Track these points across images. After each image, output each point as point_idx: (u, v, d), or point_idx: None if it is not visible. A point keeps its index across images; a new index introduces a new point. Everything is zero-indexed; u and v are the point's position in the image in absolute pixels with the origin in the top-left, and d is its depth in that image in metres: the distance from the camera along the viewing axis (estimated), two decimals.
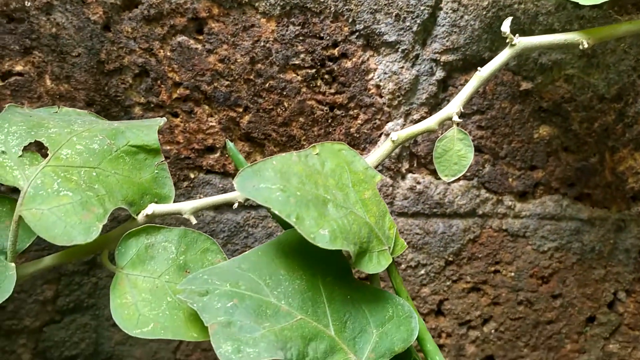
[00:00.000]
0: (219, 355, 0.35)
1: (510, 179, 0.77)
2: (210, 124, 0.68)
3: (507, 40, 0.50)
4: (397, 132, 0.48)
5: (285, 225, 0.45)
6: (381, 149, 0.48)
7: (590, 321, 0.86)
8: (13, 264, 0.38)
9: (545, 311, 0.84)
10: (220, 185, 0.71)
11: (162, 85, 0.66)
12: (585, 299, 0.85)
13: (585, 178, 0.79)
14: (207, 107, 0.67)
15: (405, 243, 0.44)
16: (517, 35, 0.51)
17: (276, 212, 0.37)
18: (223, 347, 0.35)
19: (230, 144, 0.48)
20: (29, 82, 0.63)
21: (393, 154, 0.73)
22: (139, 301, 0.39)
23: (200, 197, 0.69)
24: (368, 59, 0.68)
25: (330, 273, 0.42)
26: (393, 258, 0.44)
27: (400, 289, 0.45)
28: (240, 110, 0.68)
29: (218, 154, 0.69)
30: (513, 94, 0.73)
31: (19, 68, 0.63)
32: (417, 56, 0.69)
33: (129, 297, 0.39)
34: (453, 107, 0.49)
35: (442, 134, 0.64)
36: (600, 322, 0.87)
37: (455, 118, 0.49)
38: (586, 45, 0.50)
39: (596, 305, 0.86)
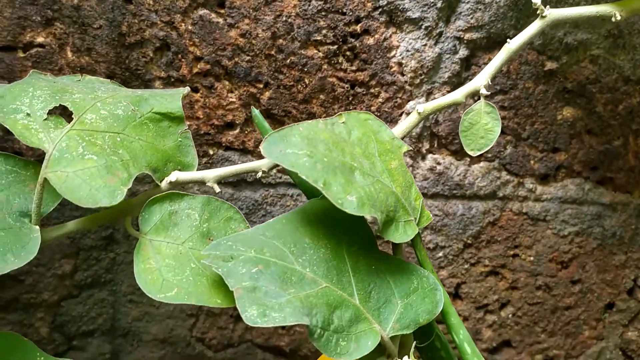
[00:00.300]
0: (245, 319, 0.34)
1: (532, 161, 0.76)
2: (230, 99, 0.67)
3: (538, 12, 0.49)
4: (423, 104, 0.48)
5: (310, 195, 0.44)
6: (406, 121, 0.47)
7: (609, 308, 0.85)
8: (37, 227, 0.38)
9: (564, 297, 0.83)
10: (240, 162, 0.70)
11: (183, 60, 0.65)
12: (604, 285, 0.84)
13: (608, 161, 0.78)
14: (227, 82, 0.67)
15: (431, 215, 0.44)
16: (547, 7, 0.50)
17: (303, 177, 0.37)
18: (249, 312, 0.34)
19: (255, 111, 0.47)
20: (50, 54, 0.62)
21: (413, 134, 0.72)
22: (163, 266, 0.39)
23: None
24: (390, 36, 0.68)
25: (355, 243, 0.42)
26: (419, 230, 0.44)
27: (425, 262, 0.44)
28: (261, 86, 0.67)
29: (237, 130, 0.69)
30: (537, 74, 0.72)
31: (40, 39, 0.62)
32: (440, 34, 0.68)
33: (153, 262, 0.39)
34: (480, 79, 0.48)
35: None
36: (619, 308, 0.86)
37: (483, 91, 0.48)
38: (619, 18, 0.49)
39: (616, 291, 0.85)
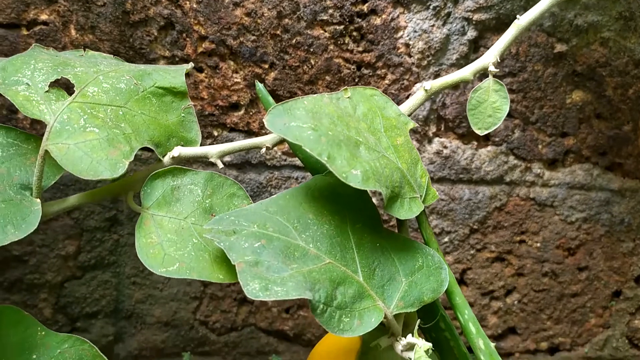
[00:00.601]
0: (247, 292, 0.34)
1: (540, 146, 0.75)
2: (235, 80, 0.67)
3: None
4: (431, 81, 0.47)
5: (314, 171, 0.43)
6: (413, 98, 0.47)
7: (616, 295, 0.84)
8: (38, 200, 0.38)
9: (571, 284, 0.82)
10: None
11: (188, 39, 0.64)
12: (612, 273, 0.83)
13: (617, 147, 0.77)
14: (232, 62, 0.66)
15: (437, 193, 0.43)
16: None
17: (307, 150, 0.36)
18: (250, 285, 0.34)
19: (259, 85, 0.47)
20: (54, 32, 0.62)
21: (420, 116, 0.71)
22: (165, 241, 0.38)
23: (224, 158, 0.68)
24: (398, 16, 0.67)
25: (359, 220, 0.41)
26: (424, 207, 0.43)
27: (431, 240, 0.43)
28: (266, 66, 0.67)
29: (242, 112, 0.68)
30: (546, 57, 0.71)
31: (44, 17, 0.62)
32: (448, 14, 0.67)
33: (154, 236, 0.38)
34: (489, 57, 0.47)
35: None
36: (626, 296, 0.85)
37: (492, 68, 0.47)
38: None
39: (623, 279, 0.84)
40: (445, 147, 0.74)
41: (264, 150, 0.43)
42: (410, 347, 0.40)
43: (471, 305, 0.82)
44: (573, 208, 0.79)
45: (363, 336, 0.46)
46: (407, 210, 0.39)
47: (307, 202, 0.40)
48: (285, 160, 0.71)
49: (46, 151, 0.38)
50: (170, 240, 0.39)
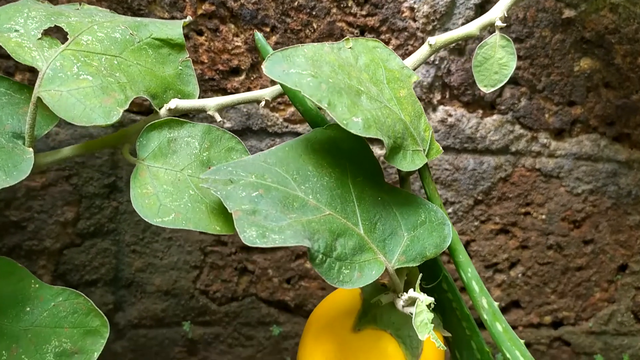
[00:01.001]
0: (244, 239, 0.33)
1: (546, 115, 0.74)
2: (236, 43, 0.65)
3: None
4: (435, 36, 0.45)
5: (314, 124, 0.42)
6: (417, 53, 0.45)
7: (621, 270, 0.83)
8: (31, 149, 0.37)
9: (576, 257, 0.81)
10: (245, 110, 0.69)
11: (187, 0, 0.63)
12: (617, 246, 0.82)
13: (625, 117, 0.75)
14: (233, 25, 0.65)
15: (441, 148, 0.42)
16: None
17: (307, 96, 0.35)
18: (247, 232, 0.33)
19: (258, 35, 0.46)
20: None
21: (425, 83, 0.70)
22: (160, 192, 0.37)
23: (224, 123, 0.67)
24: None
25: (360, 174, 0.40)
26: (427, 162, 0.42)
27: (434, 196, 0.42)
28: (267, 30, 0.65)
29: (243, 77, 0.67)
30: (554, 22, 0.69)
31: None
32: None
33: (150, 187, 0.37)
34: (496, 11, 0.46)
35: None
36: (632, 270, 0.84)
37: (499, 23, 0.45)
38: None
39: (629, 253, 0.83)
40: (450, 115, 0.72)
41: (262, 103, 0.42)
42: (412, 302, 0.39)
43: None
44: (579, 179, 0.77)
45: (364, 296, 0.45)
46: (410, 163, 0.38)
47: (307, 154, 0.39)
48: (287, 127, 0.69)
49: (38, 98, 0.37)
50: (166, 192, 0.38)
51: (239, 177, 0.36)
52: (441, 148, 0.41)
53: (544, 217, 0.79)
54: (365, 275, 0.36)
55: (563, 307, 0.84)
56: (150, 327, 0.76)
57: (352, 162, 0.40)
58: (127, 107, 0.38)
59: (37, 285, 0.39)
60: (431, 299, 0.38)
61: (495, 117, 0.73)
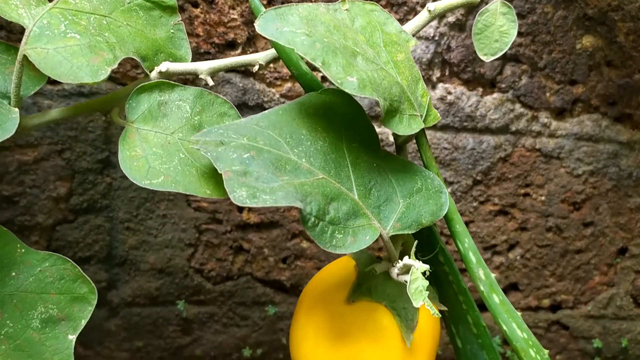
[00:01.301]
0: (233, 199, 0.32)
1: (547, 94, 0.73)
2: (232, 16, 0.64)
3: None
4: (435, 2, 0.44)
5: (308, 88, 0.41)
6: (416, 19, 0.44)
7: (621, 253, 0.82)
8: (16, 109, 0.36)
9: (575, 240, 0.80)
10: (241, 85, 0.68)
11: None
12: (617, 229, 0.81)
13: (627, 97, 0.74)
14: None
15: (439, 114, 0.41)
16: None
17: (300, 55, 0.34)
18: (237, 192, 0.32)
19: None
20: None
21: (424, 60, 0.69)
22: (150, 155, 0.36)
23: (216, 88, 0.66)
24: None
25: (355, 140, 0.39)
26: (424, 129, 0.41)
27: (430, 164, 0.41)
28: (264, 2, 0.64)
29: (239, 51, 0.66)
30: None
31: None
32: None
33: (139, 150, 0.36)
34: None
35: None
36: (632, 254, 0.83)
37: None
38: None
39: (629, 236, 0.82)
40: (450, 93, 0.71)
41: (256, 67, 0.40)
42: (406, 270, 0.38)
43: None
44: (580, 160, 0.76)
45: (358, 269, 0.44)
46: (407, 127, 0.37)
47: (301, 118, 0.38)
48: (283, 103, 0.68)
49: (24, 56, 0.36)
50: (156, 154, 0.37)
51: (230, 139, 0.35)
52: (439, 115, 0.40)
53: (543, 198, 0.78)
54: (359, 241, 0.35)
55: (562, 290, 0.83)
56: (144, 305, 0.75)
57: (347, 127, 0.39)
58: (115, 66, 0.36)
59: (22, 250, 0.38)
60: (426, 267, 0.37)
61: (495, 95, 0.72)
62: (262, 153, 0.35)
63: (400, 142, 0.42)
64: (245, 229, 0.73)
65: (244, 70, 0.67)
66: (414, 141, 0.46)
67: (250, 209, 0.73)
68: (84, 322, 0.39)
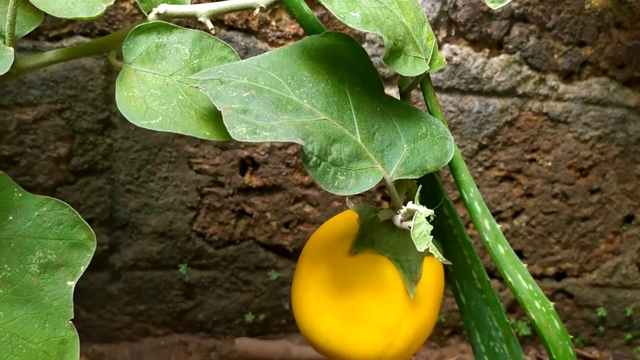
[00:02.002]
0: (233, 135, 0.31)
1: (555, 55, 0.71)
2: None
3: None
4: None
5: (311, 31, 0.40)
6: None
7: (627, 221, 0.81)
8: (11, 48, 0.35)
9: (581, 206, 0.79)
10: (243, 44, 0.66)
11: None
12: (624, 196, 0.80)
13: (636, 59, 0.73)
14: None
15: (444, 60, 0.40)
16: None
17: None
18: (237, 128, 0.31)
19: None
20: None
21: (430, 19, 0.68)
22: (147, 95, 0.36)
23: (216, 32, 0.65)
24: None
25: (359, 83, 0.38)
26: (429, 74, 0.40)
27: (435, 110, 0.40)
28: None
29: None
30: None
31: None
32: None
33: (137, 91, 0.36)
34: None
35: None
36: (638, 222, 0.82)
37: None
38: None
39: (636, 203, 0.81)
40: (456, 54, 0.70)
41: (257, 11, 0.39)
42: (410, 215, 0.37)
43: None
44: (587, 125, 0.75)
45: (361, 221, 0.44)
46: (411, 68, 0.36)
47: (303, 60, 0.37)
48: None
49: None
50: (154, 95, 0.36)
51: (230, 78, 0.35)
52: (444, 60, 0.39)
53: (549, 164, 0.77)
54: (361, 183, 0.34)
55: (567, 258, 0.82)
56: (146, 269, 0.75)
57: (350, 71, 0.38)
58: (112, 3, 0.36)
59: (20, 194, 0.38)
60: (430, 211, 0.36)
61: (502, 56, 0.70)
62: (262, 92, 0.34)
63: (405, 89, 0.41)
64: (247, 192, 0.73)
65: (246, 29, 0.66)
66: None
67: (252, 172, 0.72)
68: (83, 269, 0.39)
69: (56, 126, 0.66)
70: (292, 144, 0.71)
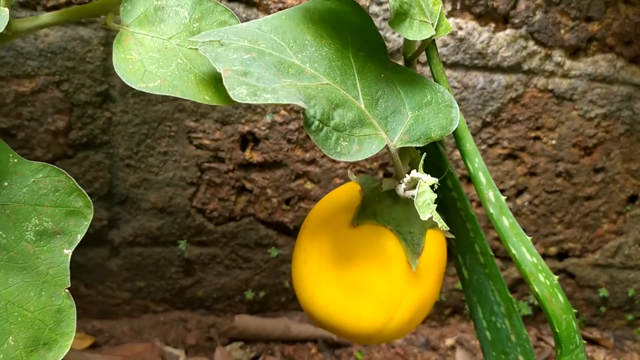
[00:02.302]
0: (233, 96, 0.30)
1: (562, 31, 0.70)
2: None
3: None
4: None
5: None
6: None
7: (631, 201, 0.81)
8: (7, 9, 0.34)
9: (585, 186, 0.79)
10: (244, 15, 0.65)
11: None
12: (629, 176, 0.79)
13: None
14: None
15: (451, 25, 0.39)
16: None
17: None
18: (237, 89, 0.30)
19: None
20: None
21: None
22: (145, 58, 0.35)
23: None
24: None
25: (363, 49, 0.37)
26: (434, 40, 0.39)
27: (441, 78, 0.39)
28: None
29: None
30: None
31: None
32: None
33: (134, 53, 0.35)
34: None
35: None
36: None
37: None
38: None
39: None
40: (461, 28, 0.69)
41: None
42: (414, 184, 0.37)
43: (479, 204, 0.79)
44: (593, 103, 0.74)
45: (363, 192, 0.43)
46: (417, 32, 0.35)
47: (305, 23, 0.36)
48: None
49: None
50: (152, 58, 0.35)
51: (230, 40, 0.34)
52: (450, 25, 0.38)
53: (554, 142, 0.76)
54: (364, 149, 0.34)
55: (569, 238, 0.82)
56: (145, 245, 0.74)
57: (354, 36, 0.37)
58: None
59: (15, 160, 0.37)
60: (435, 180, 0.35)
61: (508, 31, 0.69)
62: (263, 55, 0.33)
63: (410, 56, 0.40)
64: (248, 168, 0.72)
65: (247, 0, 0.65)
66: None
67: (253, 148, 0.71)
68: (79, 237, 0.38)
69: (54, 99, 0.65)
70: (294, 119, 0.70)
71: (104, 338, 0.75)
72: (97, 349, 0.73)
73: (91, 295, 0.76)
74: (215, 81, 0.35)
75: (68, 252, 0.38)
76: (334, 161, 0.72)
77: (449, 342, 0.82)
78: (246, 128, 0.70)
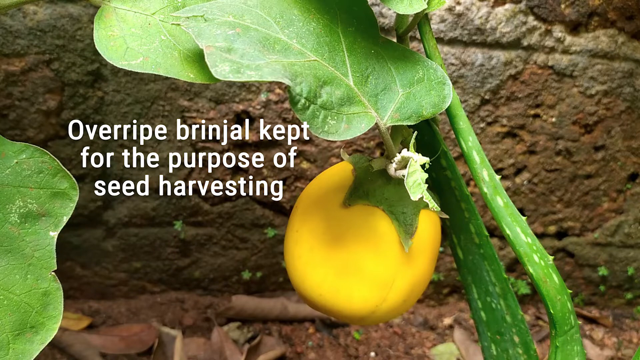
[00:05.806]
0: (215, 73, 0.29)
1: (562, 5, 0.68)
2: None
3: None
4: None
5: None
6: None
7: (632, 179, 0.80)
8: None
9: (585, 164, 0.78)
10: None
11: None
12: (629, 154, 0.78)
13: None
14: None
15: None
16: None
17: None
18: (220, 66, 0.29)
19: None
20: None
21: None
22: (128, 35, 0.34)
23: None
24: None
25: (352, 24, 0.36)
26: (427, 14, 0.38)
27: (434, 54, 0.38)
28: None
29: None
30: None
31: None
32: None
33: (116, 30, 0.34)
34: None
35: None
36: None
37: None
38: None
39: None
40: (459, 3, 0.67)
41: None
42: (405, 163, 0.36)
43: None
44: (594, 79, 0.73)
45: (355, 172, 0.42)
46: (407, 6, 0.34)
47: None
48: None
49: None
50: (134, 35, 0.34)
51: (214, 15, 0.32)
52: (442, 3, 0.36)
53: (554, 120, 0.75)
54: (353, 128, 0.33)
55: (569, 216, 0.81)
56: (141, 226, 0.74)
57: (343, 11, 0.36)
58: None
59: None
60: (426, 159, 0.34)
61: (507, 6, 0.68)
62: (248, 31, 0.32)
63: (402, 31, 0.39)
64: (242, 147, 0.71)
65: None
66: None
67: (249, 128, 0.70)
68: (65, 219, 0.37)
69: (45, 78, 0.64)
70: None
71: (101, 319, 0.75)
72: (94, 329, 0.73)
73: (87, 276, 0.75)
74: (199, 58, 0.34)
75: (54, 234, 0.37)
76: (330, 140, 0.71)
77: (447, 321, 0.82)
78: (241, 107, 0.69)
